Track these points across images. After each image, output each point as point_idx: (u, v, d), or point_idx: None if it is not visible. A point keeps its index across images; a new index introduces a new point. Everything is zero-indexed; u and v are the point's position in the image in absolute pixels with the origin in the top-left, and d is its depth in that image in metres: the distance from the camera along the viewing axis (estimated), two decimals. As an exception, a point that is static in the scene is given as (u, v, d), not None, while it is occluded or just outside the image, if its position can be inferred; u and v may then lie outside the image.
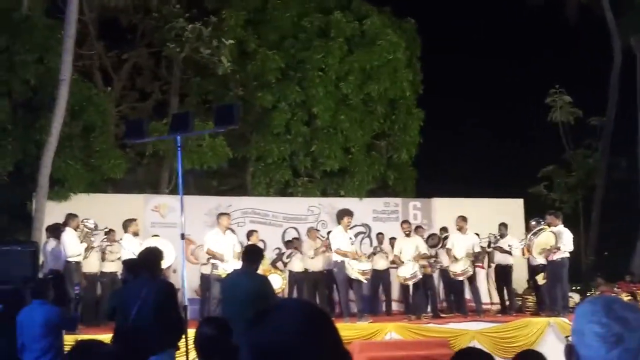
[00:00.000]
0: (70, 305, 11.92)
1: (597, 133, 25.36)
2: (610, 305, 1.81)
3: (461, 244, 14.36)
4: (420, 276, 14.00)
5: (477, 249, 14.55)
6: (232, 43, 17.58)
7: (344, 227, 13.35)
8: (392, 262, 14.84)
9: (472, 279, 14.53)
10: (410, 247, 14.04)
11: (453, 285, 14.70)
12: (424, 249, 14.28)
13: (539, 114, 26.43)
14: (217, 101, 18.52)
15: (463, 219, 14.53)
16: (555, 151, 26.37)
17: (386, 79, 19.17)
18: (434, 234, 15.76)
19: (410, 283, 14.01)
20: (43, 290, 8.41)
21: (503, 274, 15.08)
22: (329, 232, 14.98)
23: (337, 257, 13.24)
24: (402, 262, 14.01)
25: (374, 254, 15.48)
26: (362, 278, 13.44)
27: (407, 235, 14.28)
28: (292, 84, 18.85)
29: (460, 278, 14.35)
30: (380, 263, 15.27)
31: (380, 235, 16.28)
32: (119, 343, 7.52)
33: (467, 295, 14.94)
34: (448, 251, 14.52)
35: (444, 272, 14.87)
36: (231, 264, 12.45)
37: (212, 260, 12.95)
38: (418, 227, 15.59)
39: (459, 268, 14.21)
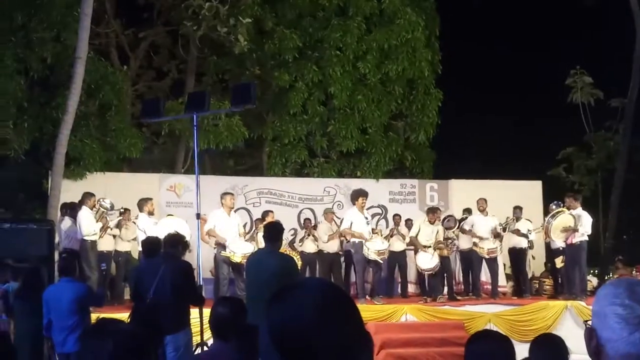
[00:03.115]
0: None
1: (618, 115, 25.06)
2: (633, 287, 1.77)
3: (483, 225, 14.34)
4: (440, 266, 13.97)
5: (498, 230, 14.52)
6: (249, 22, 17.47)
7: (359, 207, 13.29)
8: (409, 243, 14.76)
9: (491, 261, 14.47)
10: (431, 233, 13.94)
11: (472, 266, 14.68)
12: (441, 236, 14.22)
13: (560, 95, 26.15)
14: (234, 80, 18.49)
15: (484, 200, 14.48)
16: (575, 133, 26.12)
17: (404, 58, 19.00)
18: (450, 216, 15.66)
19: (430, 273, 13.95)
20: (70, 267, 8.43)
21: (517, 257, 14.99)
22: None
23: (354, 238, 13.22)
24: (421, 246, 13.87)
25: (390, 235, 15.41)
26: (378, 258, 13.46)
27: (432, 223, 14.16)
28: (310, 63, 18.73)
29: (492, 256, 14.37)
30: (397, 245, 15.22)
31: (397, 217, 16.20)
32: (136, 321, 7.53)
33: (483, 277, 14.92)
34: (468, 232, 14.48)
35: (465, 253, 14.77)
36: (238, 244, 12.46)
37: (217, 242, 12.94)
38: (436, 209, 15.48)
39: (490, 246, 14.22)
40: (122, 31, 20.47)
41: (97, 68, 16.57)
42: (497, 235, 14.43)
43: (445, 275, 14.66)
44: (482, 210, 14.53)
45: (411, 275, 15.96)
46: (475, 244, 14.41)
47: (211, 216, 12.91)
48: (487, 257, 14.35)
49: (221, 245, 12.57)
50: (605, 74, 24.76)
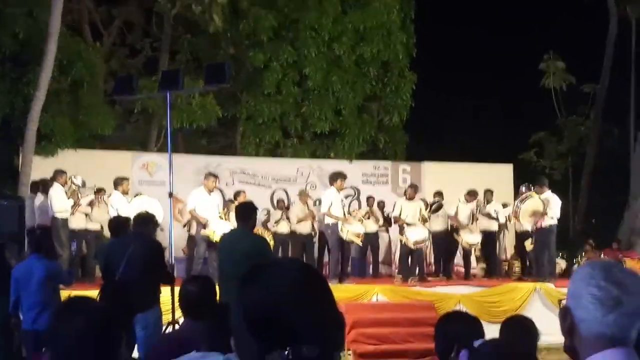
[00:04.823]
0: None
1: (590, 100, 25.31)
2: (609, 269, 1.79)
3: (465, 211, 14.56)
4: (429, 242, 14.07)
5: (477, 214, 14.70)
6: (224, 1, 17.33)
7: (337, 189, 13.28)
8: (395, 221, 14.79)
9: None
10: (414, 211, 14.01)
11: (444, 248, 14.82)
12: (424, 211, 14.29)
13: (533, 79, 26.34)
14: (208, 59, 18.33)
15: (475, 192, 14.79)
16: (547, 117, 26.36)
17: (379, 40, 19.02)
18: (422, 199, 15.72)
19: (421, 247, 14.01)
20: (42, 244, 8.35)
21: (488, 240, 15.09)
22: (318, 199, 14.96)
23: (329, 219, 13.20)
24: (405, 223, 13.91)
25: (367, 217, 15.44)
26: (357, 241, 13.57)
27: (411, 199, 14.22)
28: (285, 43, 18.67)
29: (471, 247, 14.62)
30: (370, 226, 15.26)
31: (370, 199, 16.24)
32: (106, 299, 7.49)
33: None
34: (453, 218, 14.63)
35: (437, 235, 14.85)
36: (218, 223, 12.47)
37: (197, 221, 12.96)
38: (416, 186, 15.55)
39: (472, 241, 14.44)
40: (95, 8, 20.22)
41: (69, 44, 16.38)
42: (475, 218, 14.60)
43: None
44: (470, 201, 14.65)
45: (382, 256, 16.05)
46: (457, 231, 14.52)
47: (191, 197, 13.00)
48: (467, 248, 14.52)
49: (202, 224, 12.63)
50: (577, 59, 24.97)
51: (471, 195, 14.72)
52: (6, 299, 8.16)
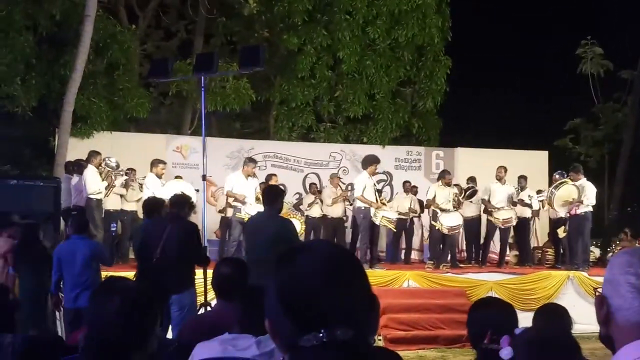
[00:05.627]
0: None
1: (628, 87, 24.89)
2: None
3: (500, 193, 14.41)
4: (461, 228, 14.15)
5: (515, 199, 14.53)
6: (258, -18, 17.33)
7: (370, 173, 13.24)
8: (426, 206, 14.76)
9: (505, 231, 14.51)
10: (448, 195, 13.97)
11: (477, 234, 14.77)
12: (458, 197, 14.24)
13: (569, 65, 25.95)
14: (242, 42, 18.38)
15: (504, 169, 14.57)
16: (583, 104, 25.96)
17: (414, 24, 18.82)
18: (455, 185, 15.65)
19: (455, 233, 14.04)
20: (83, 224, 8.46)
21: (521, 227, 14.97)
22: (350, 184, 14.95)
23: (360, 204, 13.18)
24: (439, 208, 13.86)
25: (420, 208, 15.52)
26: (391, 226, 13.67)
27: (448, 185, 14.19)
28: (319, 27, 18.57)
29: (505, 226, 14.42)
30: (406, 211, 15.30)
31: (407, 184, 16.17)
32: (143, 280, 7.58)
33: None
34: (487, 202, 14.52)
35: (469, 221, 14.78)
36: (253, 207, 12.56)
37: (233, 203, 13.05)
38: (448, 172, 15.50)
39: (505, 216, 14.26)
40: (131, -10, 20.31)
41: (105, 26, 16.49)
42: (514, 204, 14.45)
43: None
44: (500, 179, 14.54)
45: (415, 242, 16.00)
46: (490, 213, 14.43)
47: (228, 180, 13.18)
48: (502, 227, 14.38)
49: (236, 207, 12.75)
50: (615, 45, 24.57)
51: (500, 172, 14.59)
52: (39, 276, 8.28)
